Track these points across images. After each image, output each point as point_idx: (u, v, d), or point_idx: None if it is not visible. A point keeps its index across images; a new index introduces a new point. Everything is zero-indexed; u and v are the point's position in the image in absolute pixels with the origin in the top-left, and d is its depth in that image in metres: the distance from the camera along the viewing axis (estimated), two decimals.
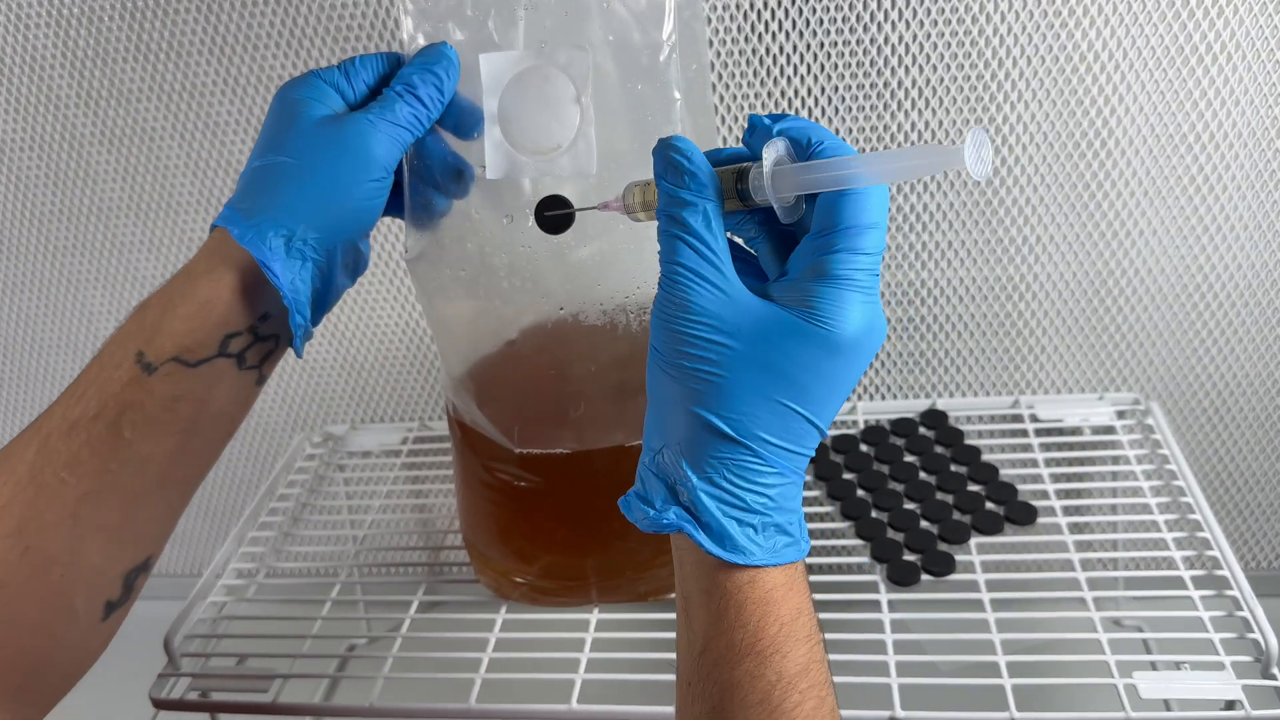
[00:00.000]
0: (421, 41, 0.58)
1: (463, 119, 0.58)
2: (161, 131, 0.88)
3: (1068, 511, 0.76)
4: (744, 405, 0.41)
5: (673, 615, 0.69)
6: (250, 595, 0.78)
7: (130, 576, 0.53)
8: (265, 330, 0.53)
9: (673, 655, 0.47)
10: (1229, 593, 0.66)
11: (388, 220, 0.88)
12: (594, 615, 0.71)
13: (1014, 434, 0.86)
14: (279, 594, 0.79)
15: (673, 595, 0.72)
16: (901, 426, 0.86)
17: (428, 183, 0.59)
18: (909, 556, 0.73)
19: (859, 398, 0.93)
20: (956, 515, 0.77)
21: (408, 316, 0.94)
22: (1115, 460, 0.82)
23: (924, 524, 0.76)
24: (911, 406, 0.89)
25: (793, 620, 0.43)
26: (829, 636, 0.66)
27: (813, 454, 0.43)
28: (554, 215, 0.56)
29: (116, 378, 0.50)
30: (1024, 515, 0.76)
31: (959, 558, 0.73)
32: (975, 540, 0.74)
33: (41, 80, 0.87)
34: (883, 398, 0.93)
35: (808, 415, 0.42)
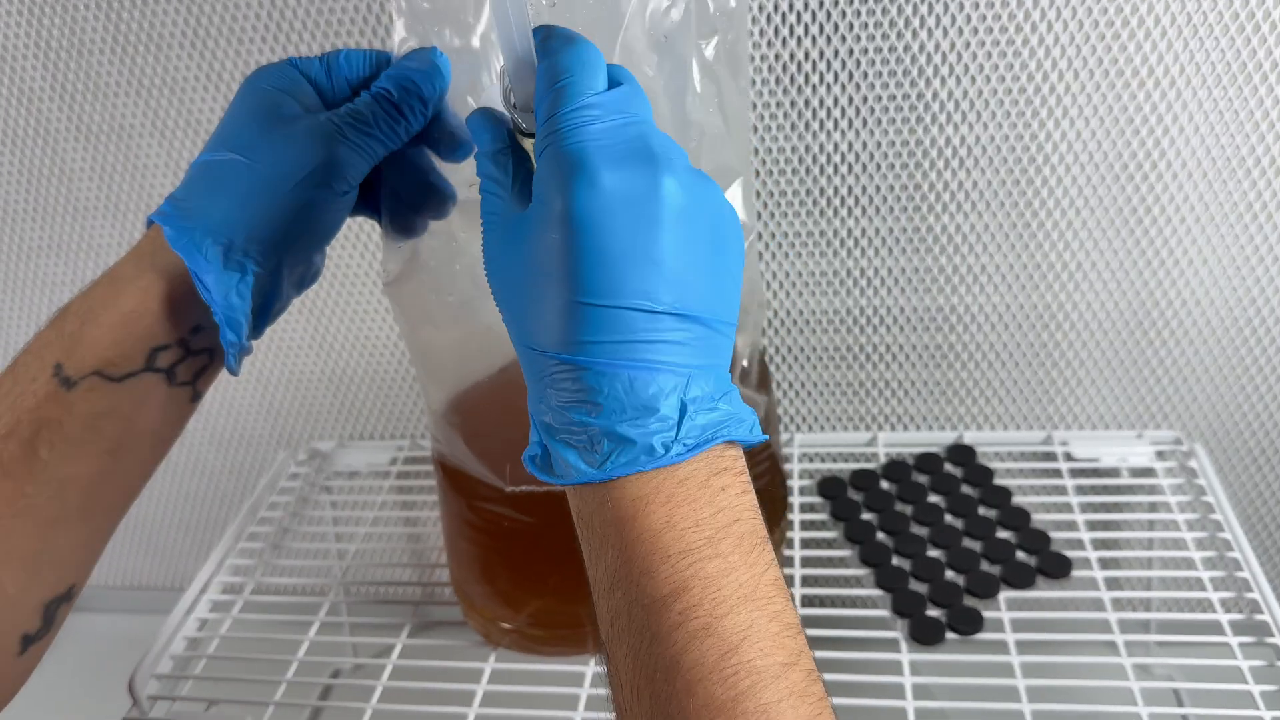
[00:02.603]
0: (414, 45, 0.52)
1: (449, 139, 0.51)
2: (139, 128, 0.83)
3: (1104, 564, 0.71)
4: (543, 317, 0.37)
5: None
6: (226, 628, 0.73)
7: (50, 608, 0.48)
8: (198, 344, 0.48)
9: None
10: (1270, 640, 0.62)
11: (370, 226, 0.83)
12: (590, 665, 0.66)
13: (1047, 474, 0.80)
14: (261, 614, 0.74)
15: None
16: (926, 462, 0.80)
17: (404, 201, 0.53)
18: (933, 612, 0.68)
19: (880, 427, 0.87)
20: (985, 565, 0.71)
21: (398, 331, 0.88)
22: (1154, 507, 0.76)
23: (949, 574, 0.71)
24: (937, 439, 0.83)
25: (655, 537, 0.35)
26: (843, 700, 0.61)
27: (644, 338, 0.36)
28: None
29: (32, 392, 0.45)
30: (1057, 567, 0.70)
31: (987, 614, 0.67)
32: (1005, 595, 0.69)
33: (14, 74, 0.81)
34: (905, 428, 0.87)
35: (590, 301, 0.35)
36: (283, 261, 0.47)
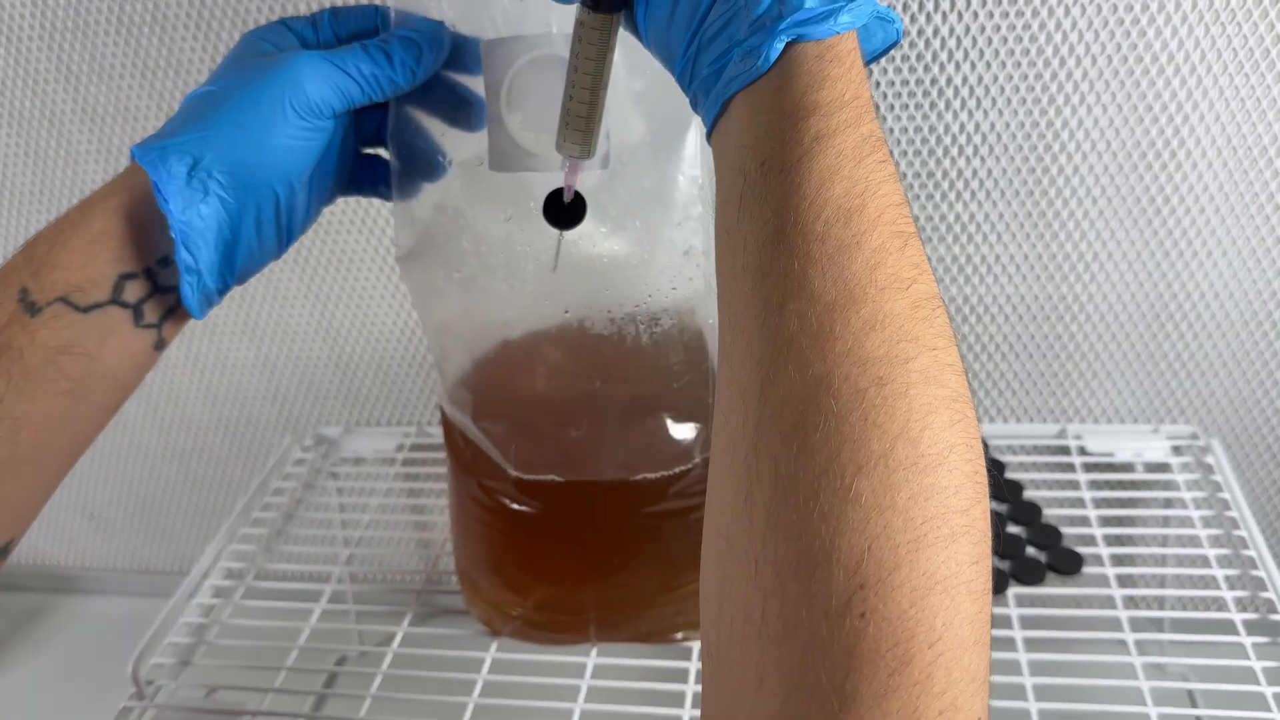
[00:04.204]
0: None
1: (458, 105, 0.52)
2: (144, 110, 0.82)
3: (1116, 561, 0.70)
4: None
5: (678, 662, 0.64)
6: (229, 614, 0.72)
7: None
8: (165, 280, 0.47)
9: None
10: None
11: (378, 207, 0.82)
12: (591, 657, 0.66)
13: (1060, 468, 0.79)
14: (264, 600, 0.73)
15: (678, 636, 0.67)
16: None
17: (404, 163, 0.54)
18: None
19: None
20: (995, 561, 0.70)
21: (405, 315, 0.88)
22: (1169, 503, 0.75)
23: None
24: None
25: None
26: None
27: None
28: (567, 207, 0.51)
29: None
30: (1068, 564, 0.69)
31: (995, 611, 0.66)
32: (1014, 590, 0.68)
33: (20, 56, 0.81)
34: None
35: None
36: (248, 194, 0.47)
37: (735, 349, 0.34)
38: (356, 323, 0.89)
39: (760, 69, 0.36)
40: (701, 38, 0.38)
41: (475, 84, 0.53)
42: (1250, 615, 0.64)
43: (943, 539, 0.30)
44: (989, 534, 0.32)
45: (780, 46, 0.35)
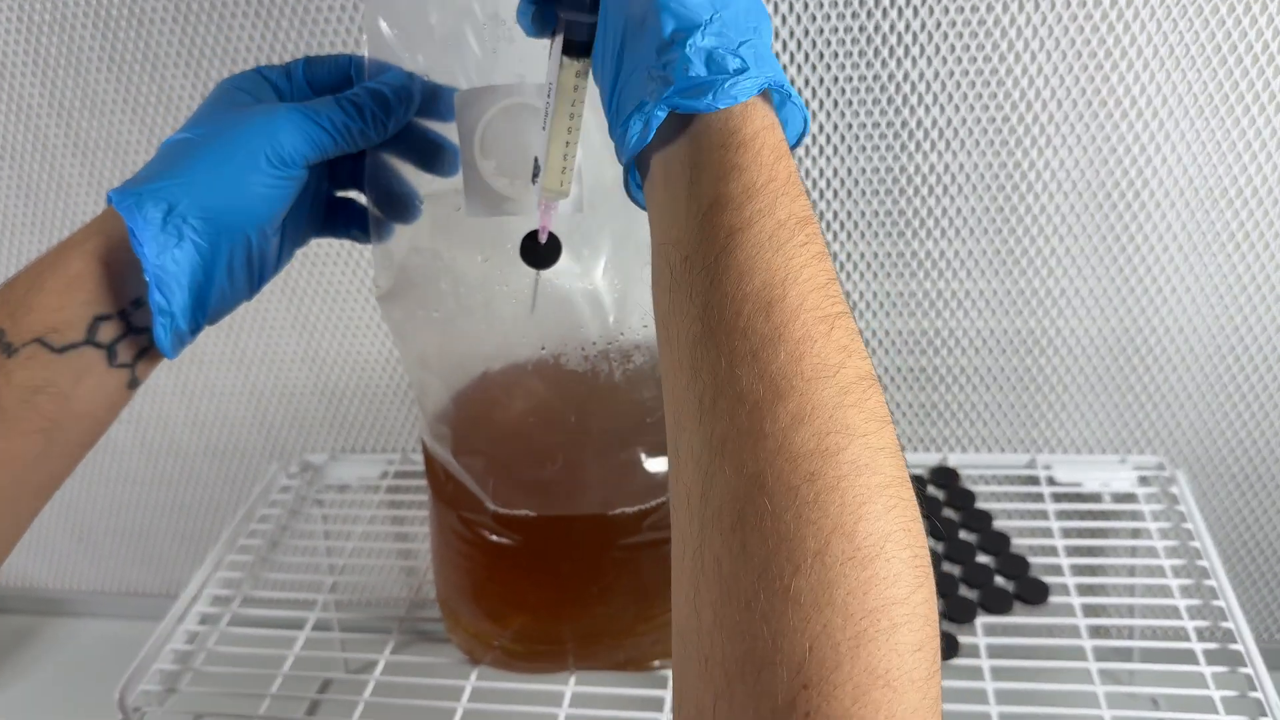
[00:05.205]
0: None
1: (431, 152, 0.54)
2: (134, 143, 0.84)
3: (1082, 590, 0.71)
4: None
5: (654, 690, 0.65)
6: (214, 641, 0.73)
7: None
8: (139, 321, 0.48)
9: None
10: (1243, 670, 0.63)
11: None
12: (569, 685, 0.67)
13: (1029, 498, 0.81)
14: (249, 627, 0.74)
15: (655, 663, 0.68)
16: None
17: (380, 208, 0.56)
18: None
19: None
20: (963, 590, 0.72)
21: (389, 345, 0.89)
22: (1136, 533, 0.76)
23: None
24: (922, 460, 0.84)
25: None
26: None
27: None
28: (543, 248, 0.53)
29: None
30: (1034, 594, 0.71)
31: (964, 640, 0.68)
32: (981, 620, 0.69)
33: (12, 89, 0.83)
34: None
35: None
36: (222, 239, 0.48)
37: (679, 445, 0.35)
38: (342, 352, 0.91)
39: (645, 139, 0.37)
40: (616, 101, 0.40)
41: (447, 130, 0.55)
42: (1210, 645, 0.65)
43: (883, 632, 0.30)
44: (933, 615, 0.32)
45: (662, 115, 0.37)
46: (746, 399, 0.32)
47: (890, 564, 0.31)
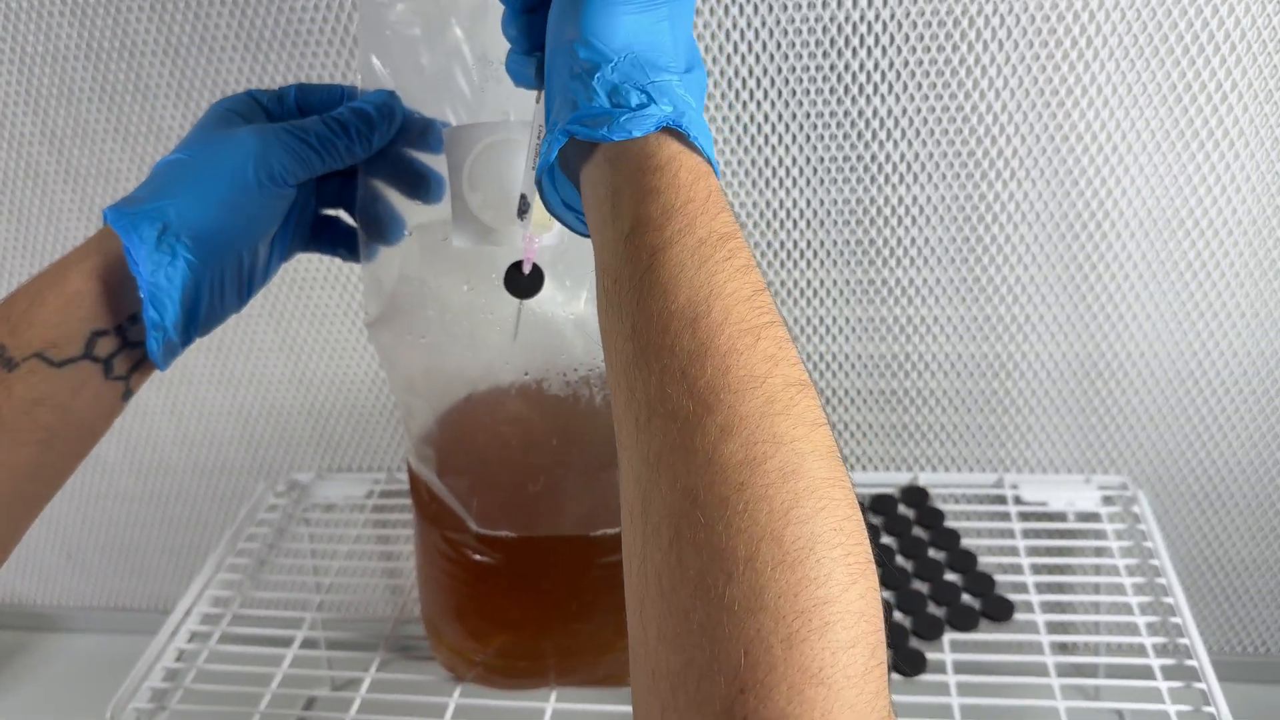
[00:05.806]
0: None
1: (415, 179, 0.57)
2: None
3: (1046, 608, 0.74)
4: None
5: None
6: (203, 659, 0.75)
7: None
8: (134, 335, 0.50)
9: None
10: (1197, 685, 0.65)
11: (349, 266, 0.86)
12: (551, 702, 0.69)
13: (996, 516, 0.83)
14: (238, 645, 0.76)
15: None
16: (881, 504, 0.83)
17: (367, 230, 0.58)
18: None
19: None
20: (931, 608, 0.74)
21: (375, 366, 0.91)
22: (1098, 551, 0.79)
23: (897, 616, 0.74)
24: (892, 479, 0.86)
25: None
26: None
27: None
28: (526, 278, 0.55)
29: None
30: (1000, 611, 0.73)
31: (931, 656, 0.70)
32: (948, 636, 0.72)
33: (4, 119, 0.84)
34: (864, 469, 0.90)
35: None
36: (211, 255, 0.50)
37: (624, 464, 0.36)
38: (328, 373, 0.93)
39: (548, 160, 0.40)
40: (548, 123, 0.43)
41: (435, 162, 0.57)
42: (1168, 661, 0.67)
43: (815, 631, 0.30)
44: (870, 611, 0.32)
45: (562, 140, 0.39)
46: (677, 415, 0.33)
47: (820, 564, 0.31)
